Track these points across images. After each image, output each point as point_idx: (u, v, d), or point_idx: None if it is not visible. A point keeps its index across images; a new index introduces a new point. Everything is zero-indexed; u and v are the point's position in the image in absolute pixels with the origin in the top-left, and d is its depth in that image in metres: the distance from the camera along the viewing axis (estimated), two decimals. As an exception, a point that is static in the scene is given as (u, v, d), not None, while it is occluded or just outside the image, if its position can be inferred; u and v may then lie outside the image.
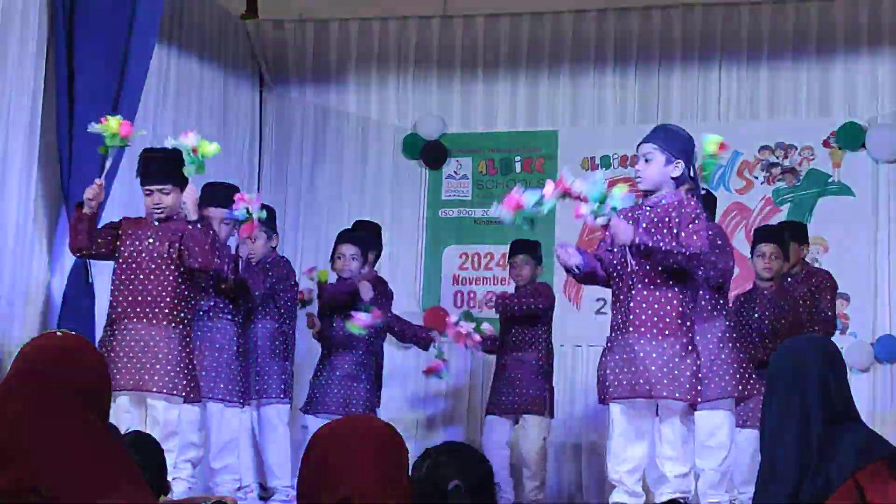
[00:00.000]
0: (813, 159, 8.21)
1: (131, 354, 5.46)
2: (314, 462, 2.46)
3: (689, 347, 4.93)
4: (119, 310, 5.56)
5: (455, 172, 8.82)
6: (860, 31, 8.18)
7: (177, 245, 5.55)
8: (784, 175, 8.26)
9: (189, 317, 5.66)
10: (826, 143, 8.19)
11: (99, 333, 5.84)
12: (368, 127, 8.97)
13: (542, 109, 8.80)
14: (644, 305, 4.94)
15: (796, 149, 8.26)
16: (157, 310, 5.50)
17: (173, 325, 5.52)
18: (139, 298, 5.52)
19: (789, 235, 7.01)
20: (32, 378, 2.43)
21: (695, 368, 4.92)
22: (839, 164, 8.15)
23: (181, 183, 5.65)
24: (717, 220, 8.10)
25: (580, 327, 8.11)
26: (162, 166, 5.61)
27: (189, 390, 5.53)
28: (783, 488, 2.97)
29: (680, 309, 4.92)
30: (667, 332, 4.90)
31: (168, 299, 5.52)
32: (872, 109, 8.15)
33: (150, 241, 5.59)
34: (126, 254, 5.61)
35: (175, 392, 5.46)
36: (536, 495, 7.15)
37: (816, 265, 7.79)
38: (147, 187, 5.65)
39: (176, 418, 5.51)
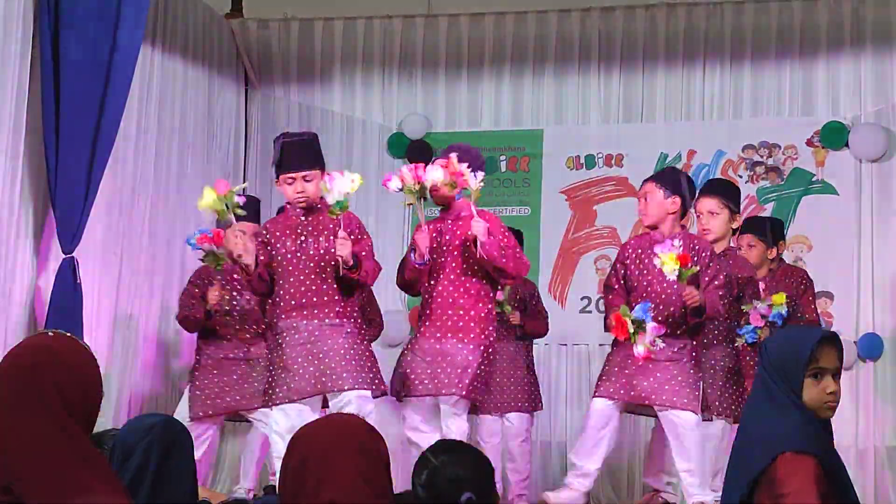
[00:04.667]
0: (797, 158, 8.24)
1: (310, 357, 5.30)
2: (294, 465, 2.46)
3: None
4: (286, 311, 5.40)
5: (440, 172, 8.81)
6: (843, 30, 8.21)
7: (330, 237, 5.37)
8: (768, 174, 8.29)
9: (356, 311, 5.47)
10: (810, 142, 8.22)
11: (87, 333, 5.79)
12: (353, 126, 8.97)
13: (527, 108, 8.82)
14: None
15: (780, 148, 8.29)
16: (324, 307, 5.36)
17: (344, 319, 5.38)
18: (303, 300, 5.36)
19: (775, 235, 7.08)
20: (12, 377, 2.42)
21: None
22: (823, 163, 8.19)
23: (322, 169, 5.47)
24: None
25: (565, 326, 8.12)
26: (304, 152, 5.44)
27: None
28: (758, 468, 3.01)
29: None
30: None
31: (332, 294, 5.37)
32: (855, 108, 8.18)
33: (303, 238, 5.43)
34: (279, 257, 5.45)
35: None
36: (524, 489, 7.18)
37: (801, 264, 7.85)
38: (289, 175, 5.44)
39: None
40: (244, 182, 5.53)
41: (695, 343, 5.80)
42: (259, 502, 6.48)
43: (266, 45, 9.03)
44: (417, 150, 8.84)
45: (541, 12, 8.73)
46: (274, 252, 5.46)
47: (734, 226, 6.18)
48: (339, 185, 5.20)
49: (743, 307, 5.98)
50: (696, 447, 5.64)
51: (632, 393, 5.73)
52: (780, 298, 5.92)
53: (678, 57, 8.53)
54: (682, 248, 5.48)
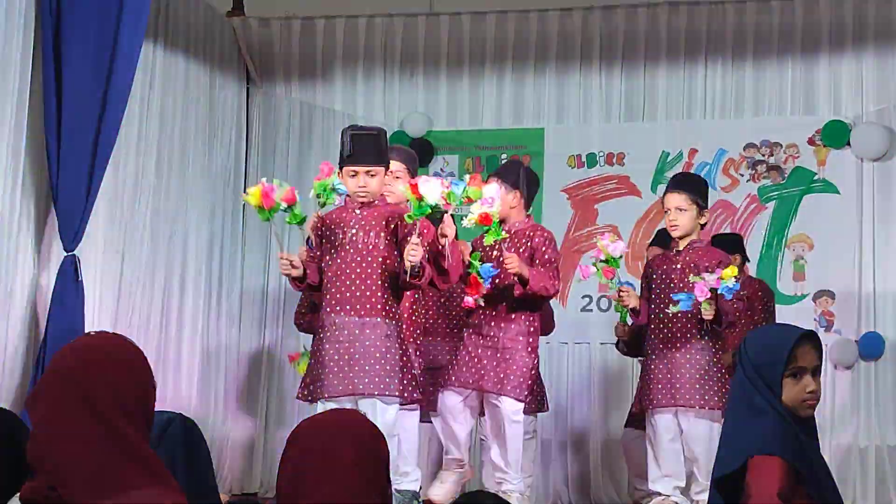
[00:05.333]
0: (798, 157, 8.24)
1: (346, 355, 5.26)
2: (293, 461, 2.43)
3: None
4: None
5: (442, 170, 8.82)
6: (845, 29, 8.20)
7: (382, 235, 5.35)
8: (769, 173, 8.28)
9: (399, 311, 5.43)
10: (811, 141, 8.22)
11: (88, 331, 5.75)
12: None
13: (529, 107, 8.81)
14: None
15: (781, 146, 8.28)
16: (366, 304, 5.31)
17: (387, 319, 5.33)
18: (347, 294, 5.31)
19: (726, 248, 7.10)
20: (59, 377, 2.39)
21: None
22: (824, 162, 8.18)
23: (386, 166, 5.44)
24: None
25: (566, 324, 8.11)
26: (371, 146, 5.38)
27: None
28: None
29: None
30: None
31: (375, 291, 5.30)
32: (857, 107, 8.17)
33: (354, 231, 5.39)
34: (331, 248, 5.42)
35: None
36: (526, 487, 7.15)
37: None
38: (353, 167, 5.40)
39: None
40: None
41: (532, 330, 6.08)
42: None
43: (267, 43, 9.02)
44: (419, 149, 8.84)
45: (542, 11, 8.72)
46: (327, 243, 5.45)
47: (702, 221, 6.17)
48: (431, 191, 5.11)
49: (690, 278, 5.94)
50: (515, 438, 5.95)
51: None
52: (730, 272, 5.84)
53: (680, 55, 8.52)
54: (494, 208, 5.45)
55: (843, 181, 8.11)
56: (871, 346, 7.86)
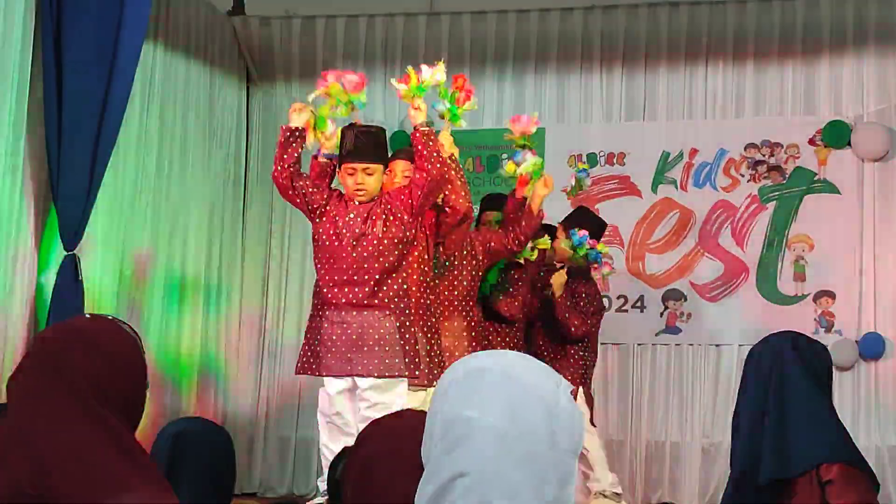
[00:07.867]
0: (799, 157, 8.23)
1: (343, 337, 5.31)
2: (359, 463, 2.34)
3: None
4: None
5: (442, 169, 8.80)
6: (846, 29, 8.20)
7: (379, 223, 5.36)
8: (770, 173, 8.28)
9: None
10: (812, 141, 8.21)
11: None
12: (355, 124, 8.94)
13: (529, 107, 8.77)
14: None
15: (782, 147, 8.28)
16: (364, 287, 5.36)
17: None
18: (345, 277, 5.34)
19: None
20: (39, 364, 2.27)
21: None
22: (825, 162, 8.18)
23: (385, 164, 5.44)
24: (703, 218, 8.23)
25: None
26: (372, 144, 5.39)
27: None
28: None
29: None
30: None
31: (374, 276, 5.35)
32: (858, 107, 8.17)
33: (352, 215, 5.40)
34: (332, 231, 5.43)
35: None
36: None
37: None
38: (352, 164, 5.39)
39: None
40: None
41: None
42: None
43: (268, 42, 9.01)
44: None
45: (543, 10, 8.72)
46: (329, 224, 5.43)
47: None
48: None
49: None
50: None
51: None
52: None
53: (680, 55, 8.52)
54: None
55: (844, 181, 8.11)
56: (871, 347, 7.86)
